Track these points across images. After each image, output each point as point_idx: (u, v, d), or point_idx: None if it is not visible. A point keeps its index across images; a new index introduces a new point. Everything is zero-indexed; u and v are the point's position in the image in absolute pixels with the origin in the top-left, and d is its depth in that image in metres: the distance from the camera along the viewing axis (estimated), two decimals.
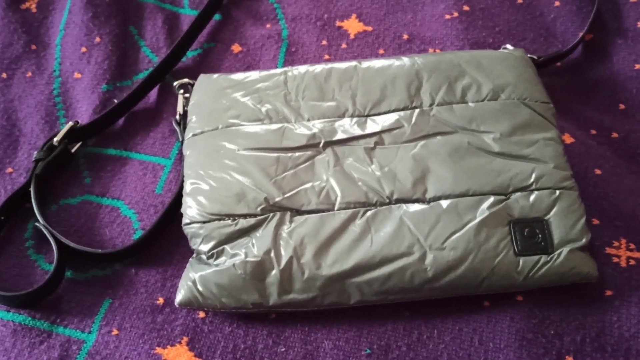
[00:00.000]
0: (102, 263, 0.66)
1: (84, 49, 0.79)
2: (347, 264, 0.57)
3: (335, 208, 0.60)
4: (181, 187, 0.66)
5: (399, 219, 0.59)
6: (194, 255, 0.62)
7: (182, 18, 0.83)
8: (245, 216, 0.60)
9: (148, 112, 0.76)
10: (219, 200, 0.61)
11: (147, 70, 0.78)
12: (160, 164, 0.72)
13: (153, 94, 0.77)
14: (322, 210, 0.60)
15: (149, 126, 0.75)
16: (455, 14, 0.81)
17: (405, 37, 0.80)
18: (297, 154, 0.63)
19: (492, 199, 0.60)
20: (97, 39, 0.80)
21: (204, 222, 0.60)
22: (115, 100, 0.76)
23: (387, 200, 0.60)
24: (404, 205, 0.60)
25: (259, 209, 0.60)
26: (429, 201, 0.60)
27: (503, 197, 0.60)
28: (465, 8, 0.81)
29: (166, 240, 0.67)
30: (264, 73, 0.69)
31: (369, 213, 0.60)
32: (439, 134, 0.64)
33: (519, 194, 0.60)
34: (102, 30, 0.80)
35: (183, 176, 0.65)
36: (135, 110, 0.76)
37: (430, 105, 0.65)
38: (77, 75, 0.78)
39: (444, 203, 0.60)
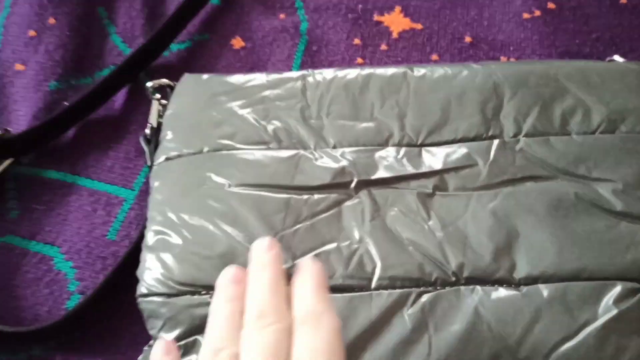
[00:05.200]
0: (14, 345, 0.45)
1: (32, 33, 0.59)
2: None
3: (373, 285, 0.39)
4: (142, 235, 0.45)
5: (472, 310, 0.38)
6: (151, 344, 0.41)
7: (169, 0, 0.62)
8: None
9: (110, 123, 0.56)
10: (194, 263, 0.40)
11: (115, 66, 0.58)
12: (118, 197, 0.51)
13: (120, 97, 0.57)
14: (353, 288, 0.40)
15: (109, 142, 0.55)
16: (537, 13, 0.60)
17: (468, 39, 0.59)
18: (317, 196, 0.42)
19: (619, 287, 0.38)
20: (51, 20, 0.60)
21: (169, 296, 0.40)
22: (66, 103, 0.55)
23: (454, 279, 0.39)
24: (479, 289, 0.39)
25: None
26: (519, 284, 0.39)
27: (637, 284, 0.38)
28: (551, 6, 0.60)
29: (114, 315, 0.46)
30: (274, 77, 0.49)
31: (425, 297, 0.39)
32: (530, 178, 0.43)
33: None
34: (59, 9, 0.60)
35: (146, 219, 0.44)
36: (92, 119, 0.56)
37: (516, 136, 0.44)
38: (18, 66, 0.58)
39: (544, 290, 0.39)
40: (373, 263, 0.40)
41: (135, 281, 0.43)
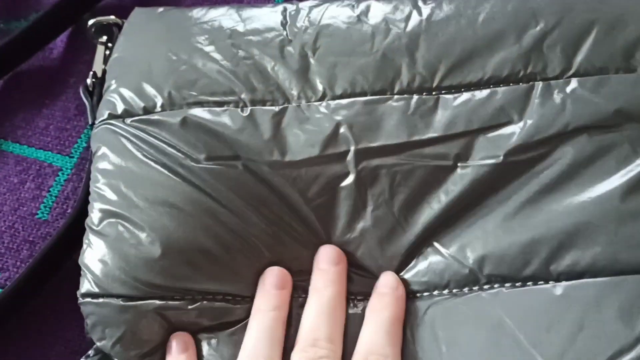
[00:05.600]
0: None
1: None
2: None
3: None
4: (81, 210, 0.35)
5: (495, 322, 0.29)
6: (90, 354, 0.33)
7: None
8: (214, 295, 0.32)
9: (45, 75, 0.45)
10: (164, 258, 0.31)
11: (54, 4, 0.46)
12: (53, 166, 0.41)
13: (59, 43, 0.46)
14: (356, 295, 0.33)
15: (43, 98, 0.44)
16: None
17: None
18: (305, 175, 0.33)
19: None
20: None
21: (131, 299, 0.31)
22: None
23: (472, 278, 0.31)
24: (504, 292, 0.30)
25: (240, 285, 0.32)
26: (558, 280, 0.30)
27: None
28: None
29: (43, 316, 0.37)
30: (247, 9, 0.38)
31: (435, 309, 0.31)
32: (583, 130, 0.32)
33: None
34: None
35: (87, 193, 0.34)
36: (23, 69, 0.45)
37: (564, 74, 0.33)
38: None
39: (591, 287, 0.29)
40: (377, 265, 0.32)
41: (72, 271, 0.33)
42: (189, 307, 0.31)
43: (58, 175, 0.41)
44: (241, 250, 0.32)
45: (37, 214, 0.39)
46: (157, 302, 0.31)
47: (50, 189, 0.40)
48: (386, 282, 0.31)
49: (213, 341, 0.31)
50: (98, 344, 0.32)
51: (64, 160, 0.41)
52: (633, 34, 0.34)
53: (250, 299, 0.32)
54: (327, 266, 0.32)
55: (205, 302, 0.31)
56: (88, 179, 0.35)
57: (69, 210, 0.39)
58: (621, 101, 0.32)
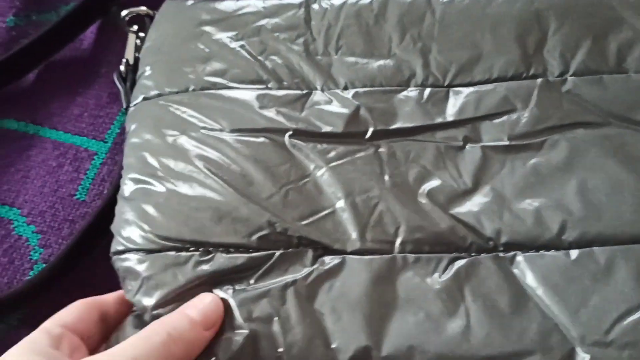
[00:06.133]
0: None
1: None
2: (421, 355, 0.30)
3: (396, 248, 0.33)
4: (116, 189, 0.38)
5: (515, 282, 0.32)
6: (133, 310, 0.34)
7: None
8: (227, 249, 0.33)
9: (77, 65, 0.48)
10: (181, 215, 0.33)
11: None
12: (88, 150, 0.44)
13: (89, 35, 0.49)
14: (373, 252, 0.33)
15: (77, 87, 0.47)
16: None
17: None
18: (327, 146, 0.35)
19: None
20: None
21: (149, 252, 0.33)
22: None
23: (491, 245, 0.33)
24: (521, 257, 0.32)
25: (254, 238, 0.33)
26: (569, 248, 0.32)
27: None
28: None
29: (86, 285, 0.39)
30: (272, 3, 0.41)
31: (459, 264, 0.32)
32: (579, 125, 0.35)
33: None
34: None
35: (122, 169, 0.37)
36: (56, 59, 0.48)
37: (562, 74, 0.37)
38: None
39: (601, 254, 0.32)
40: (396, 223, 0.33)
41: (107, 249, 0.36)
42: (203, 258, 0.32)
43: (94, 159, 0.43)
44: (253, 210, 0.33)
45: (75, 195, 0.42)
46: (173, 253, 0.32)
47: (87, 172, 0.43)
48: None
49: (229, 291, 0.32)
50: (126, 296, 0.33)
51: (99, 145, 0.44)
52: (626, 38, 0.37)
53: (260, 250, 0.32)
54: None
55: (219, 254, 0.32)
56: (121, 167, 0.37)
57: (104, 192, 0.42)
58: (611, 100, 0.36)
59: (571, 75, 0.37)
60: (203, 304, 0.30)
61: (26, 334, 0.37)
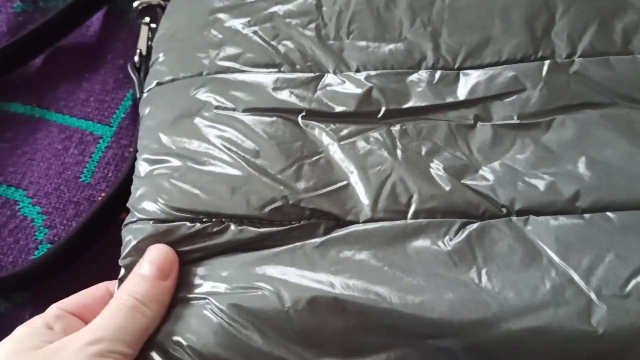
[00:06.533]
0: None
1: None
2: (433, 311, 0.29)
3: (409, 217, 0.32)
4: (129, 173, 0.38)
5: (528, 240, 0.32)
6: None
7: None
8: (241, 220, 0.32)
9: (84, 50, 0.48)
10: (195, 188, 0.33)
11: None
12: (94, 134, 0.44)
13: (95, 21, 0.49)
14: (386, 220, 0.32)
15: (83, 72, 0.47)
16: None
17: None
18: (339, 125, 0.35)
19: None
20: None
21: (162, 222, 0.32)
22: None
23: (504, 211, 0.33)
24: (535, 219, 0.32)
25: (267, 210, 0.33)
26: (583, 212, 0.32)
27: None
28: None
29: (91, 267, 0.39)
30: None
31: (471, 227, 0.32)
32: (587, 105, 0.36)
33: None
34: None
35: (136, 151, 0.37)
36: (63, 45, 0.48)
37: (570, 56, 0.37)
38: None
39: (615, 217, 0.32)
40: (408, 193, 0.33)
41: (115, 229, 0.36)
42: (215, 229, 0.32)
43: (99, 143, 0.43)
44: (266, 183, 0.33)
45: (81, 177, 0.42)
46: (188, 223, 0.32)
47: (92, 155, 0.43)
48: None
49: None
50: (122, 263, 0.33)
51: (104, 129, 0.44)
52: (632, 21, 0.38)
53: (273, 223, 0.32)
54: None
55: (232, 225, 0.32)
56: (135, 149, 0.37)
57: (109, 175, 0.42)
58: (617, 81, 0.36)
59: (578, 57, 0.37)
60: (153, 258, 0.31)
61: (31, 313, 0.37)
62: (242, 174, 0.33)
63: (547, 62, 0.37)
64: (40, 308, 0.37)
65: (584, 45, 0.37)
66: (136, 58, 0.42)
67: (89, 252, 0.40)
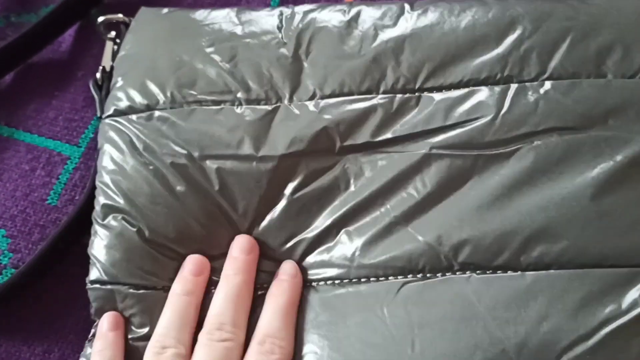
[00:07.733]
0: None
1: None
2: None
3: (352, 275, 0.33)
4: (88, 200, 0.38)
5: (465, 304, 0.31)
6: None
7: None
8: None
9: (54, 68, 0.47)
10: (166, 253, 0.35)
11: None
12: (62, 155, 0.44)
13: (67, 38, 0.48)
14: (332, 279, 0.34)
15: (53, 90, 0.46)
16: None
17: None
18: (294, 167, 0.36)
19: None
20: None
21: (138, 287, 0.34)
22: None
23: (446, 263, 0.32)
24: (475, 278, 0.32)
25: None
26: (526, 270, 0.32)
27: None
28: None
29: (55, 292, 0.39)
30: (246, 12, 0.40)
31: (408, 289, 0.32)
32: (554, 130, 0.34)
33: None
34: None
35: (94, 183, 0.37)
36: (33, 62, 0.47)
37: (539, 77, 0.35)
38: None
39: (557, 279, 0.31)
40: (354, 246, 0.33)
41: (81, 255, 0.36)
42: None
43: (66, 164, 0.43)
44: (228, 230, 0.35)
45: (47, 199, 0.42)
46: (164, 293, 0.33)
47: (59, 177, 0.42)
48: (285, 270, 0.33)
49: None
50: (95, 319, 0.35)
51: (72, 150, 0.43)
52: (605, 41, 0.36)
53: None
54: (238, 254, 0.34)
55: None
56: (95, 171, 0.37)
57: (76, 197, 0.42)
58: (590, 104, 0.34)
59: (547, 79, 0.35)
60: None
61: None
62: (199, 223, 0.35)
63: (513, 85, 0.35)
64: (4, 333, 0.37)
65: (554, 65, 0.36)
66: (98, 75, 0.42)
67: (51, 275, 0.39)
